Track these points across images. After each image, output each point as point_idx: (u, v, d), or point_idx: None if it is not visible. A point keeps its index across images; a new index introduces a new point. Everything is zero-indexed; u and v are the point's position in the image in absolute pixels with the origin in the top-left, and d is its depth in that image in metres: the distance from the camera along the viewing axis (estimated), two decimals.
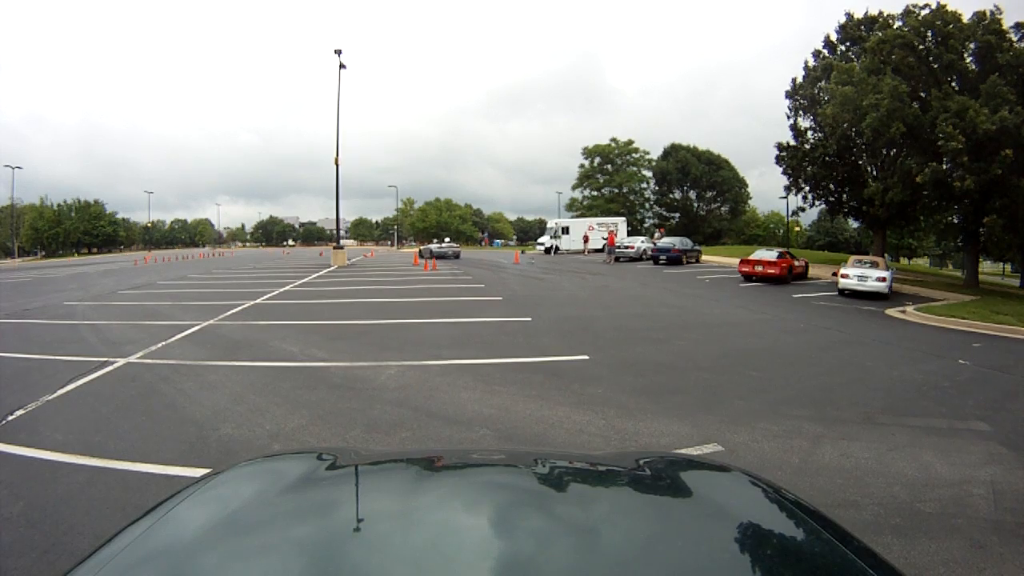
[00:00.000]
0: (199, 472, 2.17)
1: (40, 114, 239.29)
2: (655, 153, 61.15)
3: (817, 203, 28.85)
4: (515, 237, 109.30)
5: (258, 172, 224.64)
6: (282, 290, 15.25)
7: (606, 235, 35.15)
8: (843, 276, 16.23)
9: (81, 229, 72.85)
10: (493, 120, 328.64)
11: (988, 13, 21.08)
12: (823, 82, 25.86)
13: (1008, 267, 49.89)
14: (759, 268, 19.19)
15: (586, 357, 7.05)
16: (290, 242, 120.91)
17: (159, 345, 7.72)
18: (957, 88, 20.85)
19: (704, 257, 30.71)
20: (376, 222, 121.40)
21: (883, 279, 15.66)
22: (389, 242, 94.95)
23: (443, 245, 37.53)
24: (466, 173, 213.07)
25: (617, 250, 29.79)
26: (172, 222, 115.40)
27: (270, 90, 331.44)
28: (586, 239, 40.21)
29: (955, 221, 25.14)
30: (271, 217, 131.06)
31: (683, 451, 3.96)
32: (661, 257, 27.15)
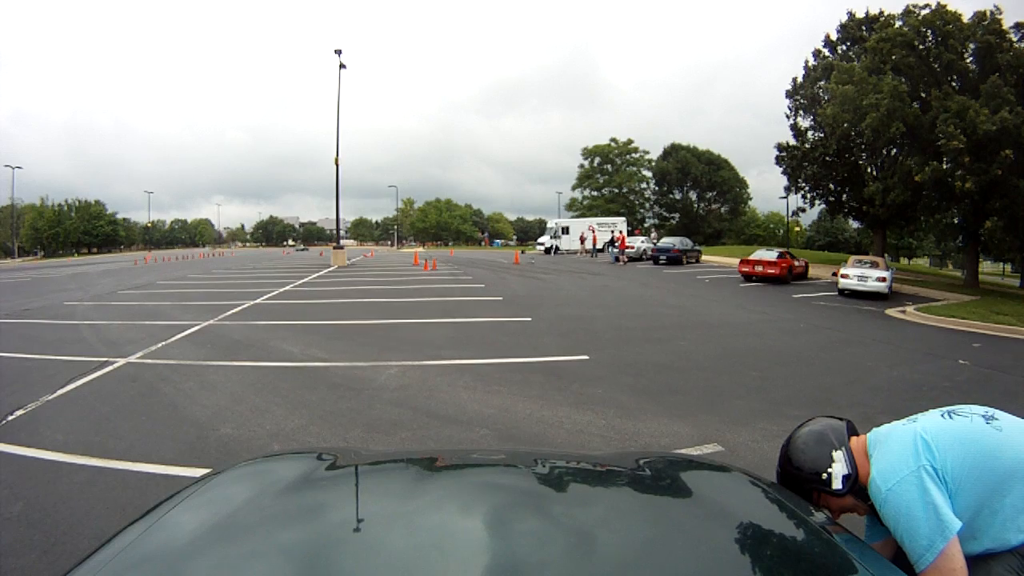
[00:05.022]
0: (199, 472, 2.17)
1: (27, 112, 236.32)
2: (654, 150, 61.50)
3: (817, 203, 28.90)
4: (515, 237, 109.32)
5: (252, 171, 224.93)
6: (282, 290, 15.25)
7: (607, 236, 34.65)
8: (843, 276, 16.23)
9: (81, 229, 72.91)
10: (488, 117, 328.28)
11: (988, 13, 21.08)
12: (823, 82, 25.88)
13: (1008, 267, 49.86)
14: (759, 268, 19.20)
15: (586, 357, 7.05)
16: (290, 242, 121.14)
17: (159, 345, 7.71)
18: (957, 88, 20.85)
19: (704, 257, 30.72)
20: (376, 222, 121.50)
21: (883, 279, 15.66)
22: (389, 242, 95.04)
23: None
24: (462, 172, 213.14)
25: (615, 250, 29.74)
26: (172, 222, 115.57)
27: (259, 87, 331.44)
28: (582, 239, 37.95)
29: (955, 221, 25.13)
30: (271, 217, 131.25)
31: (683, 451, 3.96)
32: (661, 257, 27.16)
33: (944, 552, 1.25)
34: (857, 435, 1.53)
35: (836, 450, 1.45)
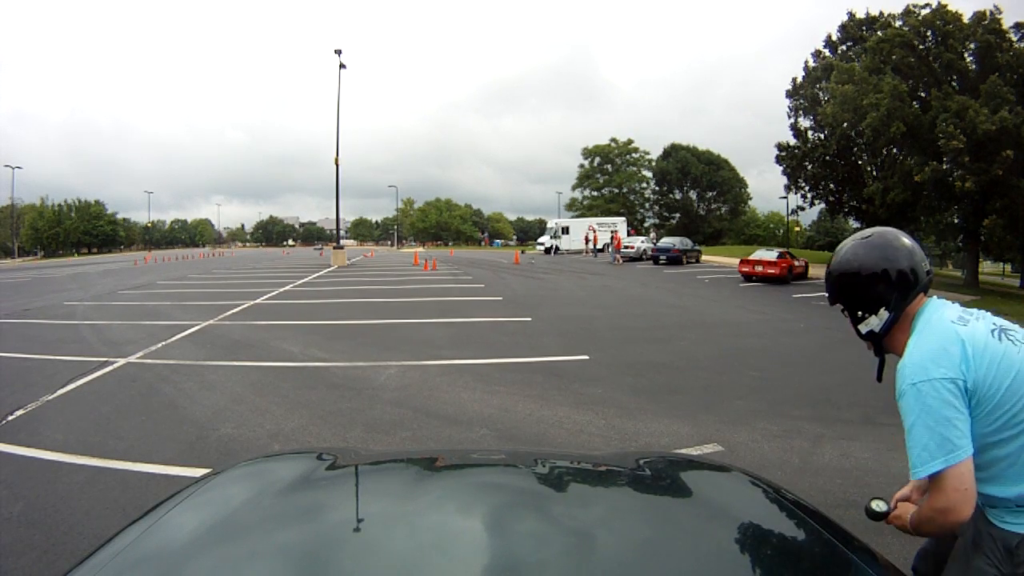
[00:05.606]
0: (199, 472, 2.17)
1: (27, 112, 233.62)
2: (654, 150, 61.47)
3: (817, 203, 28.97)
4: (515, 237, 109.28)
5: (251, 171, 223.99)
6: (282, 290, 15.24)
7: (608, 236, 34.64)
8: None
9: (81, 229, 72.86)
10: (487, 116, 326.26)
11: (988, 13, 21.11)
12: (823, 82, 25.92)
13: (1008, 267, 49.83)
14: (759, 268, 19.21)
15: (586, 357, 7.05)
16: (290, 242, 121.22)
17: (159, 345, 7.71)
18: (957, 88, 20.88)
19: (704, 257, 30.72)
20: (376, 222, 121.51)
21: None
22: (389, 242, 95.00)
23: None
24: (462, 172, 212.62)
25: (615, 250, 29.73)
26: (172, 222, 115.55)
27: (258, 87, 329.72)
28: (586, 239, 38.02)
29: (955, 221, 25.16)
30: (271, 217, 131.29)
31: (683, 451, 3.96)
32: (661, 257, 27.18)
33: (949, 472, 1.17)
34: (925, 294, 1.40)
35: (886, 309, 1.37)
